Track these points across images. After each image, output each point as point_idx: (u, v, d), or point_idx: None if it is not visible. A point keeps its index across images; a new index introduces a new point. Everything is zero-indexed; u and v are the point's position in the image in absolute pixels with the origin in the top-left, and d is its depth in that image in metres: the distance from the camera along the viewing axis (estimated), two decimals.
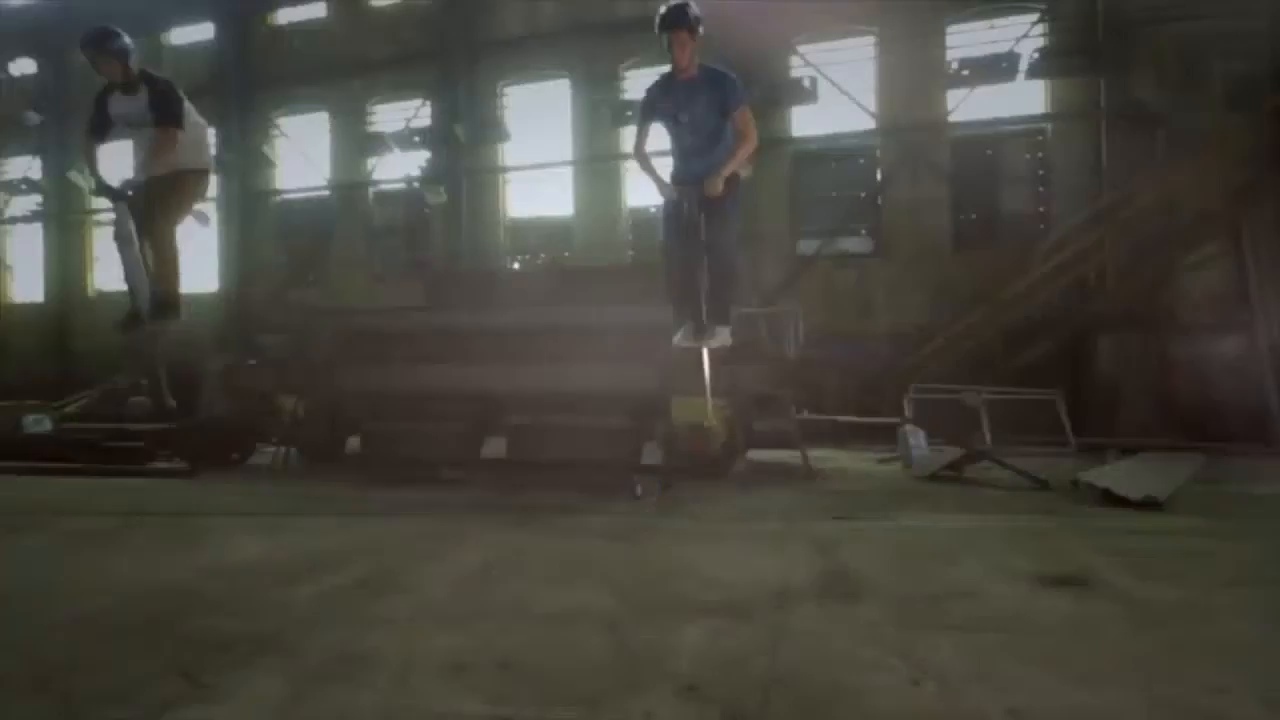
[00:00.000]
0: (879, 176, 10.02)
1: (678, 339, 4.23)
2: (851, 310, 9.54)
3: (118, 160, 5.64)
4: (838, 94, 9.92)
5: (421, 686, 2.19)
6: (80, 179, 14.38)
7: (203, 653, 2.41)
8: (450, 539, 4.02)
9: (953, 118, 9.53)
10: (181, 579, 3.34)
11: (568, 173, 11.33)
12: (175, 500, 5.60)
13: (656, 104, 4.08)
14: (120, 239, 3.77)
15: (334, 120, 12.57)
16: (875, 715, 2.02)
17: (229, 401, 7.46)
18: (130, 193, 3.88)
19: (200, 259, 13.57)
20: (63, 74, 14.38)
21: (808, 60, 9.83)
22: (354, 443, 7.41)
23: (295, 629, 2.65)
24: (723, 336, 4.15)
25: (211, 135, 13.92)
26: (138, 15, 13.65)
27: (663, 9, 3.88)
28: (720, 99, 3.98)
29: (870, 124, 9.87)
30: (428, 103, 11.77)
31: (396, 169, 12.16)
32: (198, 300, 13.44)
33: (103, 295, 14.45)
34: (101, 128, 3.69)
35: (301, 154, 12.68)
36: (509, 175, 11.67)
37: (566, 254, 11.32)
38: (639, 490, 5.26)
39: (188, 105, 4.23)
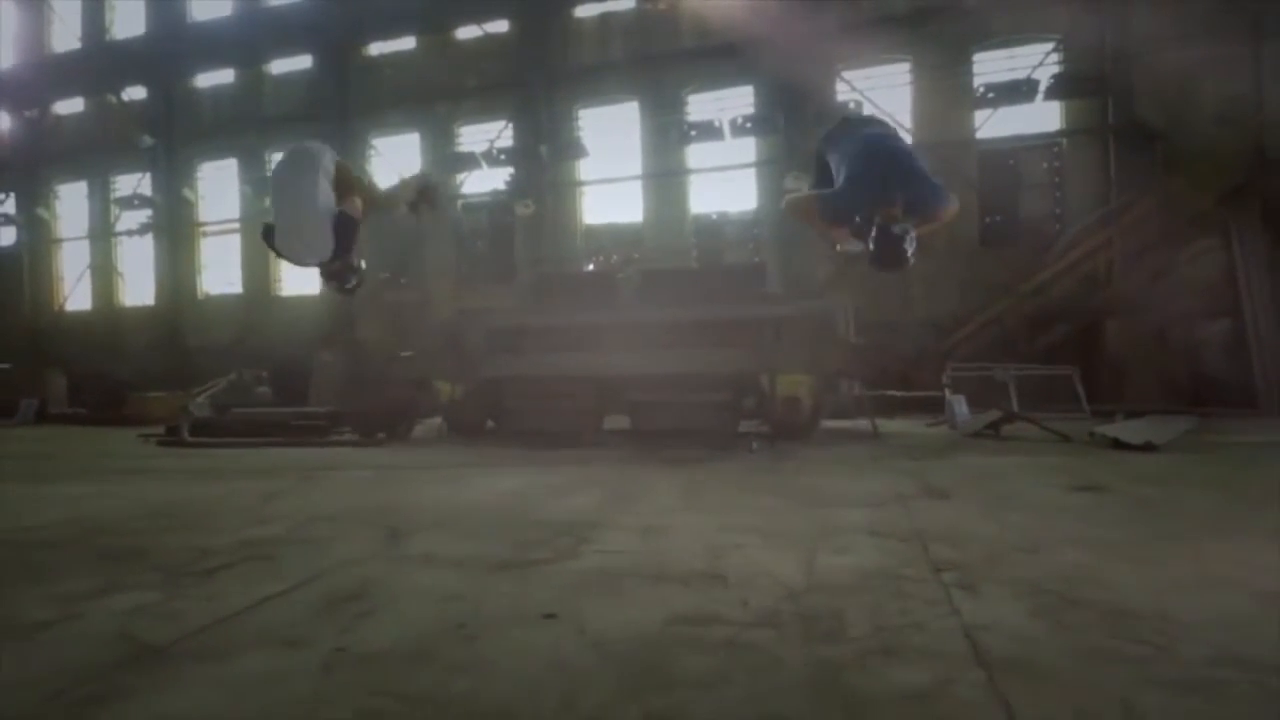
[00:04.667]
0: None
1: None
2: (893, 301, 11.05)
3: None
4: (875, 113, 11.38)
5: (723, 540, 3.80)
6: (190, 195, 16.09)
7: (552, 532, 4.03)
8: (641, 478, 5.62)
9: (979, 134, 10.99)
10: (480, 499, 4.95)
11: (637, 184, 12.86)
12: (394, 460, 7.20)
13: None
14: None
15: (424, 140, 14.15)
16: (989, 544, 3.61)
17: (392, 386, 9.06)
18: None
19: None
20: (171, 100, 16.04)
21: (852, 85, 11.29)
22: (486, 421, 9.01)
23: (587, 525, 4.26)
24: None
25: None
26: (240, 47, 15.31)
27: None
28: None
29: (906, 140, 11.31)
30: (510, 124, 13.32)
31: (482, 183, 13.74)
32: (303, 301, 15.11)
33: (210, 298, 16.16)
34: None
35: (396, 172, 14.26)
36: (585, 187, 13.23)
37: (636, 255, 12.87)
38: (754, 446, 6.85)
39: None
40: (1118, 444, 6.43)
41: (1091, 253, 10.28)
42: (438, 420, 9.01)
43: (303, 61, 14.83)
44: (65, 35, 17.25)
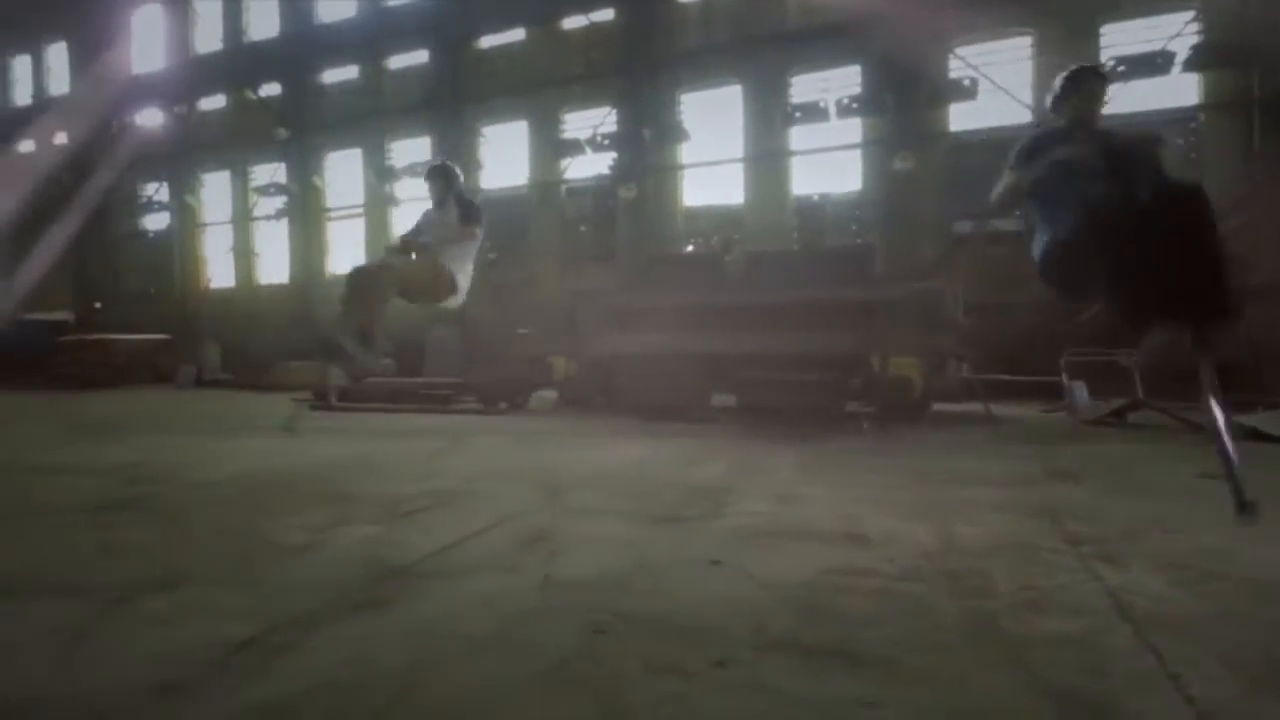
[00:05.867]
0: None
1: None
2: (1003, 282, 10.78)
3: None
4: (991, 91, 11.07)
5: (854, 509, 4.08)
6: (319, 182, 17.38)
7: (691, 494, 4.41)
8: (758, 451, 5.93)
9: (1108, 110, 10.49)
10: (615, 463, 5.39)
11: (738, 166, 13.02)
12: (522, 428, 7.80)
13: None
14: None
15: (531, 127, 14.76)
16: (1123, 523, 3.73)
17: (511, 360, 9.73)
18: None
19: None
20: (301, 96, 17.33)
21: (966, 62, 11.01)
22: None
23: (721, 491, 4.61)
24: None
25: (426, 146, 16.36)
26: (362, 45, 16.38)
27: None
28: None
29: (1026, 117, 10.96)
30: (614, 110, 13.71)
31: (586, 168, 14.24)
32: None
33: (337, 278, 17.48)
34: (416, 231, 4.60)
35: (503, 158, 15.02)
36: (686, 170, 13.51)
37: (736, 237, 13.05)
38: (865, 426, 7.03)
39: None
40: (1256, 435, 6.22)
41: (1232, 233, 9.68)
42: (552, 394, 9.62)
43: (419, 56, 15.71)
44: (208, 38, 18.88)
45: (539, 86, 14.25)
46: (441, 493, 4.38)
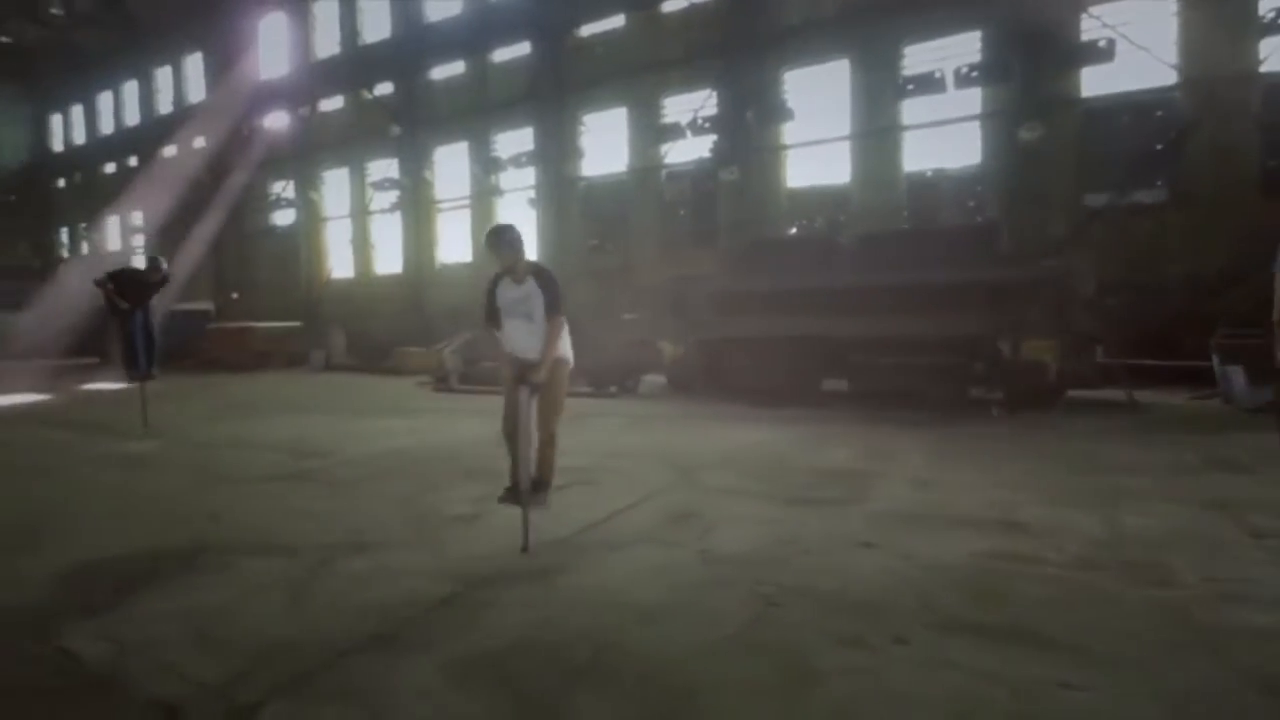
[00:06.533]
0: (1178, 128, 10.19)
1: None
2: (1144, 258, 10.00)
3: None
4: (1130, 51, 10.20)
5: (1000, 495, 3.96)
6: (429, 175, 18.19)
7: (825, 478, 4.39)
8: (883, 436, 5.82)
9: (1264, 67, 9.49)
10: (738, 446, 5.42)
11: (843, 144, 12.63)
12: (634, 411, 7.93)
13: None
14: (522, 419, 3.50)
15: (631, 113, 14.86)
16: None
17: (620, 345, 9.91)
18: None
19: (525, 233, 16.75)
20: (414, 93, 18.13)
21: (1103, 21, 10.19)
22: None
23: (855, 475, 4.56)
24: None
25: (529, 136, 16.73)
26: (468, 41, 16.96)
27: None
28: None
29: (1168, 78, 10.07)
30: (715, 93, 13.59)
31: (685, 153, 14.22)
32: None
33: (445, 267, 18.29)
34: (494, 315, 3.67)
35: (602, 145, 15.20)
36: (790, 150, 13.24)
37: (842, 219, 12.71)
38: (995, 412, 6.74)
39: None
40: None
41: None
42: (659, 378, 9.73)
43: (522, 48, 16.08)
44: (326, 43, 20.05)
45: (638, 72, 14.30)
46: (578, 470, 4.57)
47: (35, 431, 7.03)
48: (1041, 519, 3.38)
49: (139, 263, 8.11)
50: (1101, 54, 10.08)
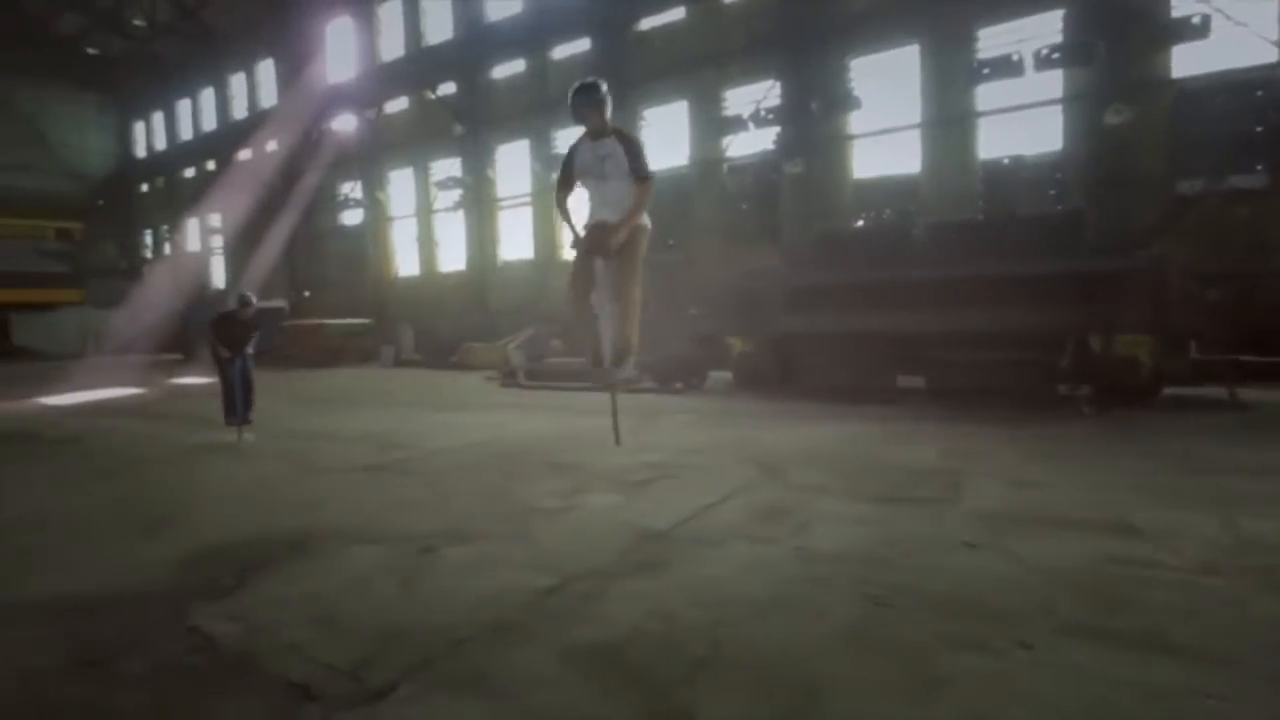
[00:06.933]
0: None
1: None
2: (1243, 248, 9.40)
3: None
4: (1226, 27, 9.57)
5: (1107, 496, 3.79)
6: (491, 174, 18.50)
7: (915, 476, 4.27)
8: (970, 434, 5.64)
9: None
10: (817, 443, 5.33)
11: (912, 133, 12.27)
12: (701, 407, 7.91)
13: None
14: (598, 285, 3.47)
15: (691, 106, 14.78)
16: None
17: (684, 340, 9.89)
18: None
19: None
20: (476, 93, 18.46)
21: None
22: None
23: (947, 473, 4.42)
24: None
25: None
26: (528, 39, 17.17)
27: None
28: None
29: (1268, 55, 9.40)
30: (778, 83, 13.39)
31: (747, 145, 14.07)
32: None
33: (507, 264, 18.59)
34: (570, 181, 3.54)
35: (663, 138, 15.18)
36: (856, 140, 12.94)
37: (912, 210, 12.35)
38: (1086, 410, 6.45)
39: None
40: None
41: None
42: (725, 374, 9.66)
43: (582, 44, 16.18)
44: (391, 46, 20.60)
45: (699, 64, 14.20)
46: (658, 465, 4.58)
47: (138, 424, 7.46)
48: (1154, 521, 3.21)
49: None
50: (1195, 31, 9.49)
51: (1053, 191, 11.17)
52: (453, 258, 19.91)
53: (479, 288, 18.77)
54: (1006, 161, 11.56)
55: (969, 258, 8.13)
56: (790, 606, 2.39)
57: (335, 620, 2.39)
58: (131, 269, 28.78)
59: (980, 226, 9.43)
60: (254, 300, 6.51)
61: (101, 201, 29.65)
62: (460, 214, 19.30)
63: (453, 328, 18.16)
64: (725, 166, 14.69)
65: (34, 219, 24.34)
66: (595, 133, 3.42)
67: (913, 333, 8.14)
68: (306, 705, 1.87)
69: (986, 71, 11.10)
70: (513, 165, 18.33)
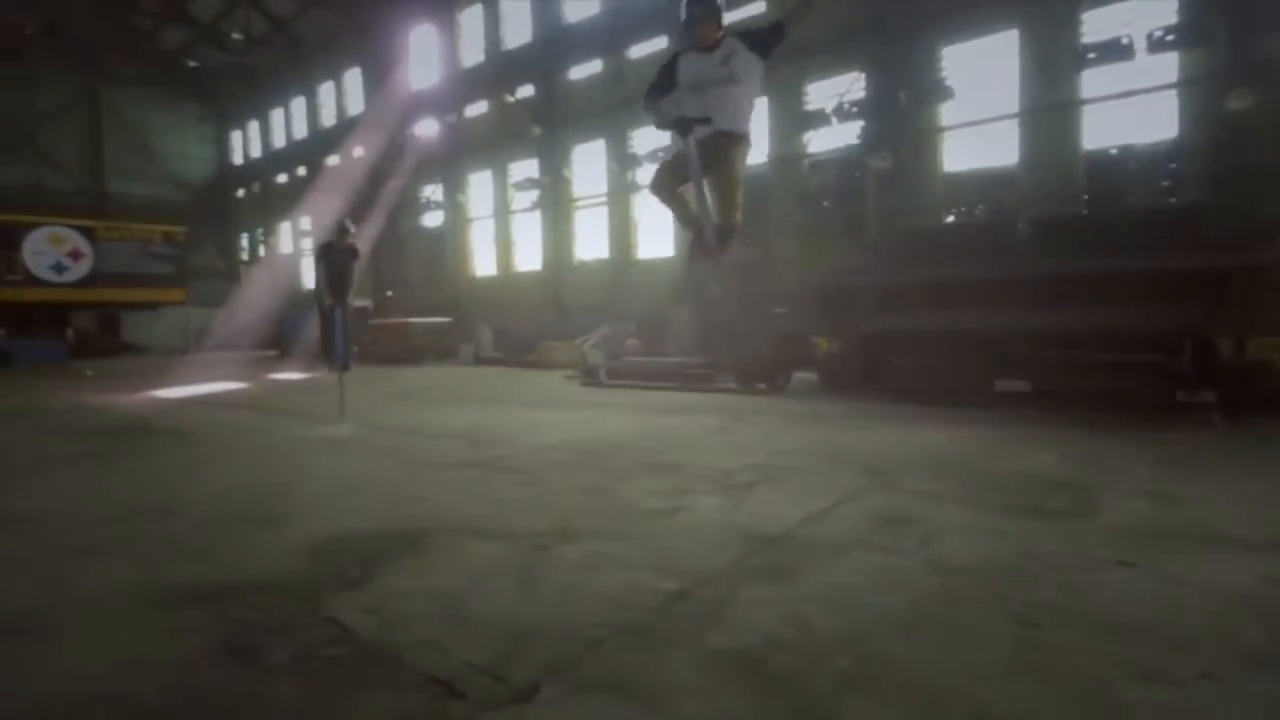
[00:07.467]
0: None
1: None
2: None
3: None
4: None
5: (1267, 514, 3.46)
6: (567, 174, 18.69)
7: (1038, 486, 4.00)
8: (1086, 442, 5.29)
9: None
10: (921, 448, 5.10)
11: (1009, 123, 11.68)
12: (789, 409, 7.74)
13: None
14: (693, 172, 3.53)
15: (773, 103, 14.51)
16: None
17: (771, 341, 9.70)
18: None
19: (660, 230, 16.89)
20: (554, 94, 18.69)
21: None
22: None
23: (1073, 486, 4.13)
24: None
25: (665, 132, 16.86)
26: (606, 39, 17.27)
27: None
28: None
29: None
30: (863, 74, 13.00)
31: (829, 140, 13.73)
32: (659, 264, 16.82)
33: (582, 264, 18.74)
34: (665, 89, 3.50)
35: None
36: (947, 132, 12.43)
37: (1007, 204, 11.76)
38: (1214, 418, 5.96)
39: None
40: None
41: None
42: (809, 374, 9.42)
43: (659, 43, 16.15)
44: (472, 51, 21.11)
45: (780, 60, 13.84)
46: (759, 467, 4.47)
47: (245, 416, 7.86)
48: None
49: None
50: None
51: (1166, 183, 10.40)
52: (528, 257, 20.24)
53: (554, 287, 19.01)
54: (1114, 152, 10.84)
55: (1077, 253, 7.67)
56: (935, 622, 2.25)
57: (463, 616, 2.40)
58: (230, 270, 30.58)
59: (1089, 220, 8.88)
60: (352, 228, 6.87)
61: (202, 207, 31.58)
62: (536, 214, 19.59)
63: (528, 326, 18.44)
64: (806, 162, 14.37)
65: (143, 223, 26.12)
66: (708, 44, 3.41)
67: (1014, 333, 7.74)
68: (454, 702, 1.86)
69: (1093, 56, 10.47)
70: (589, 165, 18.48)
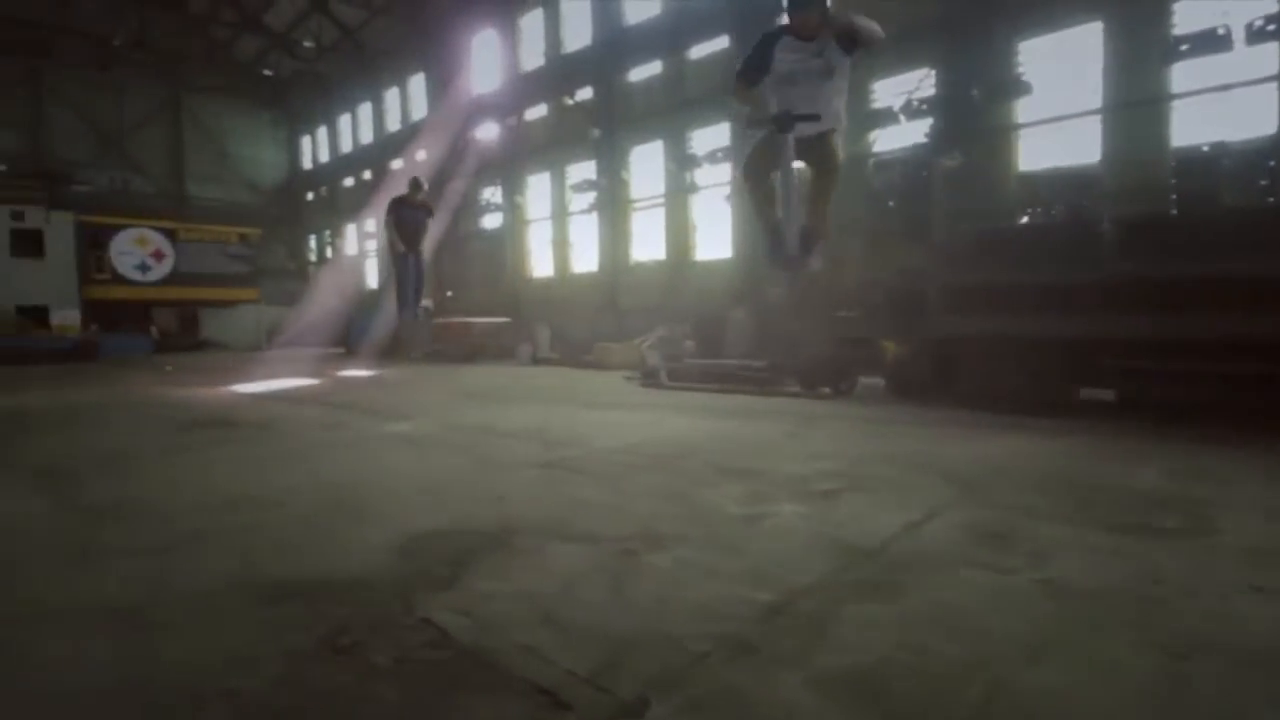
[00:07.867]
0: None
1: None
2: None
3: None
4: None
5: None
6: (625, 175, 18.70)
7: (1142, 502, 3.75)
8: (1195, 456, 4.96)
9: None
10: (1009, 458, 4.86)
11: (1090, 120, 11.14)
12: (859, 413, 7.52)
13: None
14: (784, 169, 3.53)
15: None
16: None
17: (836, 343, 9.48)
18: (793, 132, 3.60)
19: (718, 230, 16.75)
20: (613, 96, 18.75)
21: None
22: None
23: (1183, 501, 3.85)
24: None
25: (725, 132, 16.57)
26: (666, 40, 17.23)
27: None
28: None
29: None
30: (933, 71, 12.61)
31: (894, 139, 13.38)
32: (716, 265, 16.67)
33: (639, 265, 18.74)
34: (759, 72, 3.39)
35: None
36: (1024, 130, 11.95)
37: (1086, 203, 11.22)
38: None
39: None
40: None
41: None
42: (876, 380, 9.16)
43: (720, 43, 16.01)
44: (532, 55, 21.38)
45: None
46: (838, 475, 4.33)
47: (320, 411, 8.08)
48: None
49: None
50: None
51: (1264, 181, 9.75)
52: (585, 259, 20.35)
53: (610, 288, 19.07)
54: (1207, 149, 10.21)
55: (1169, 256, 7.24)
56: (1065, 651, 2.10)
57: (557, 621, 2.36)
58: (300, 270, 31.73)
59: (1176, 222, 8.39)
60: (424, 184, 7.00)
61: (273, 210, 32.88)
62: (594, 216, 19.68)
63: (584, 327, 18.54)
64: (871, 161, 14.03)
65: (220, 225, 27.34)
66: (809, 32, 3.35)
67: (1099, 338, 7.36)
68: (561, 713, 1.82)
69: (1185, 48, 9.91)
70: (647, 166, 18.47)
